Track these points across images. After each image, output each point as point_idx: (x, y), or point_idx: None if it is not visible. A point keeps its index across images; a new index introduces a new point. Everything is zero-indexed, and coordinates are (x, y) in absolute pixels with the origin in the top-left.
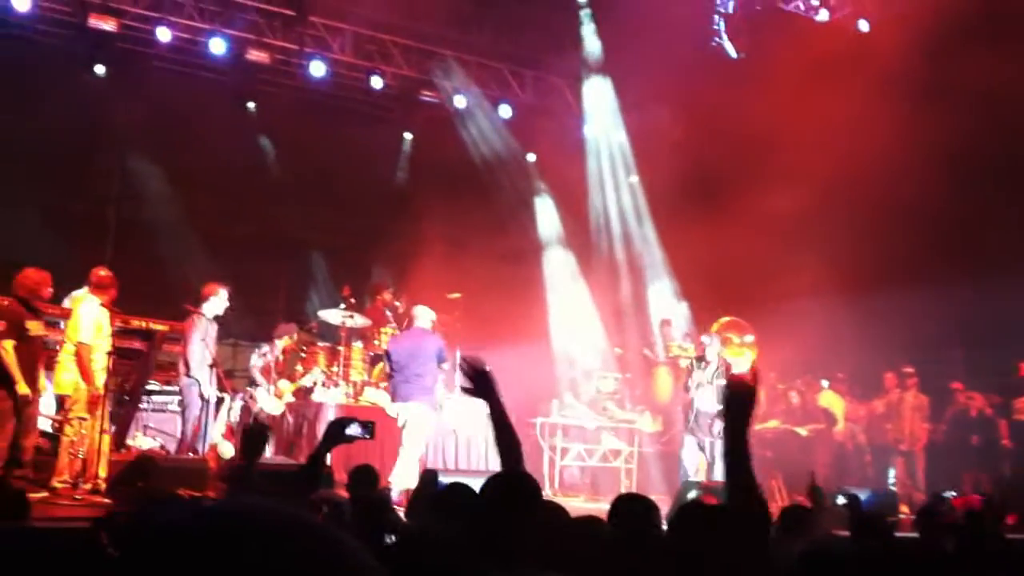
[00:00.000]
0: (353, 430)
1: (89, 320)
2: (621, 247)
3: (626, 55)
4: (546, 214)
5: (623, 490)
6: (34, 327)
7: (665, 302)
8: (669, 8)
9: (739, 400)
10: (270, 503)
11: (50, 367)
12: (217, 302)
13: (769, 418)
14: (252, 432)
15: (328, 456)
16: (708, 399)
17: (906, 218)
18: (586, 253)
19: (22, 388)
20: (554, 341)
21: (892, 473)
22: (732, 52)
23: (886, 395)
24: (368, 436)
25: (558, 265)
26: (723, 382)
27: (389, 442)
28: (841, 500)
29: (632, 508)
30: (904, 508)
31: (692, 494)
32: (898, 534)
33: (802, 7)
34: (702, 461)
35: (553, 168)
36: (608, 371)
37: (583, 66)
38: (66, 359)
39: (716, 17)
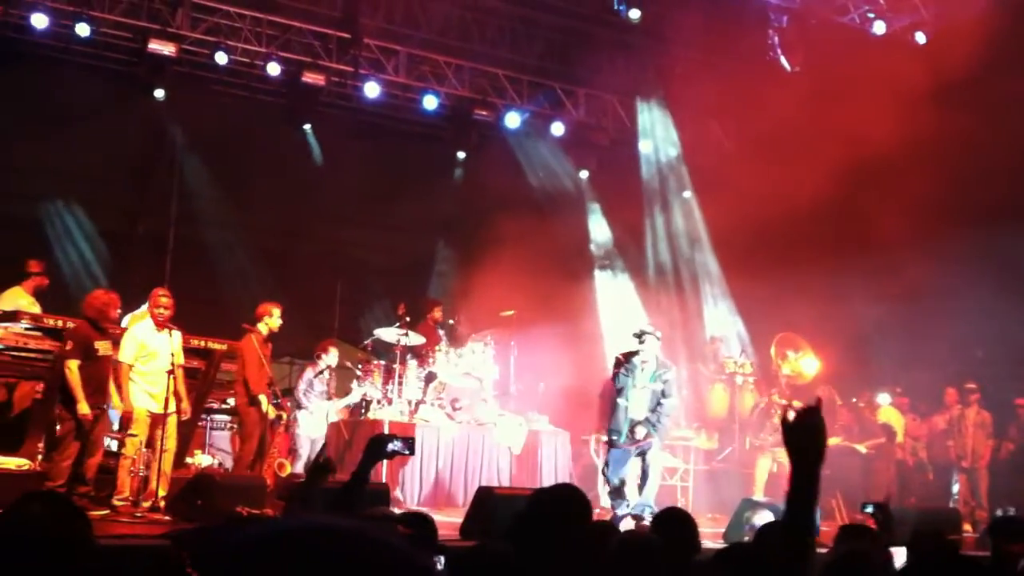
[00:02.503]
0: (394, 446)
1: (129, 340)
2: (675, 263)
3: (680, 70)
4: (599, 231)
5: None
6: (102, 347)
7: (720, 318)
8: (723, 23)
9: (809, 434)
10: (349, 521)
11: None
12: (268, 321)
13: (831, 435)
14: (317, 467)
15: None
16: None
17: (965, 232)
18: (640, 270)
19: (83, 408)
20: (608, 357)
21: (955, 490)
22: (787, 66)
23: (948, 411)
24: (408, 452)
25: (611, 282)
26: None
27: (443, 460)
28: (869, 509)
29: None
30: (967, 526)
31: (757, 515)
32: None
33: (858, 20)
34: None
35: (606, 185)
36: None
37: (636, 82)
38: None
39: (770, 31)
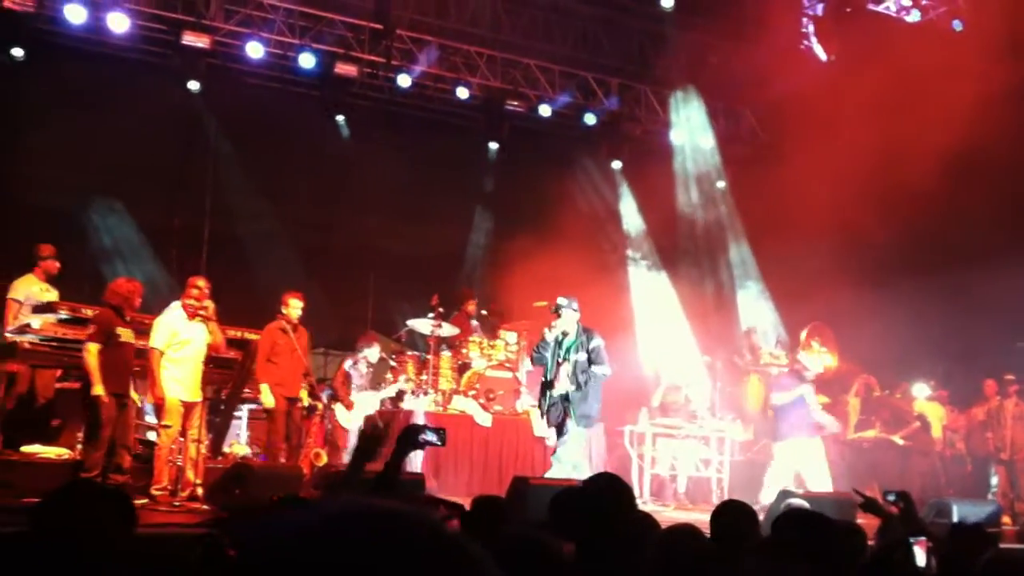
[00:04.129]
0: (426, 437)
1: (161, 327)
2: (709, 254)
3: (713, 59)
4: (632, 222)
5: (715, 500)
6: (124, 334)
7: (755, 310)
8: (757, 11)
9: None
10: (398, 505)
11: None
12: (293, 309)
13: (867, 427)
14: (369, 436)
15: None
16: (564, 377)
17: (1002, 220)
18: (673, 260)
19: (97, 389)
20: (641, 349)
21: (994, 483)
22: (822, 55)
23: (986, 403)
24: (440, 443)
25: (644, 272)
26: (585, 356)
27: (478, 450)
28: (891, 497)
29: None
30: (1006, 519)
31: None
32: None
33: (893, 8)
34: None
35: (639, 175)
36: (697, 379)
37: (669, 72)
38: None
39: (805, 20)
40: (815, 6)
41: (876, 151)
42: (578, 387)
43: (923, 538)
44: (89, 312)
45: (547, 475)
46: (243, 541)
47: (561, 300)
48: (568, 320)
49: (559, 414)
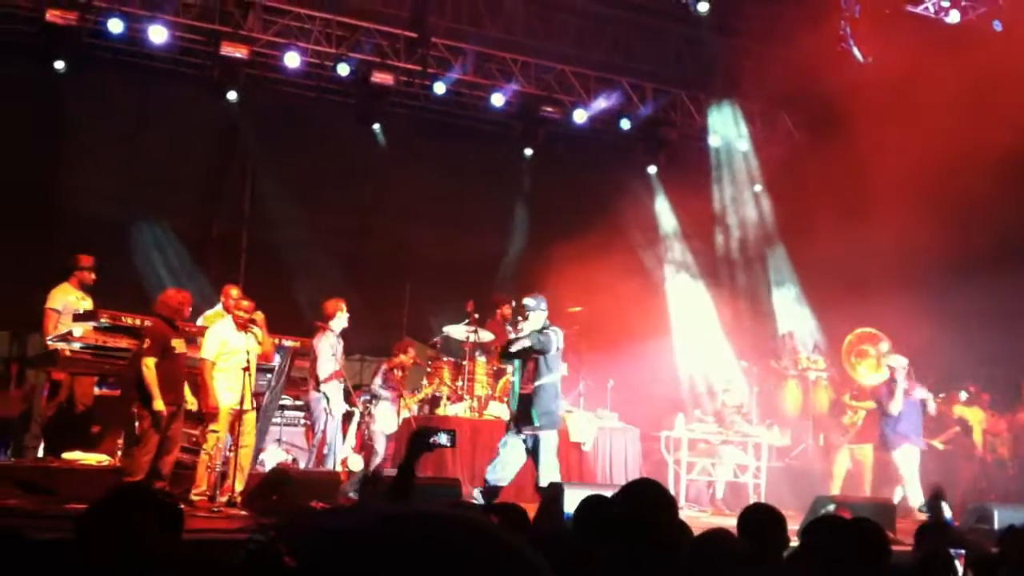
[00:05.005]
0: (437, 439)
1: (212, 337)
2: (746, 258)
3: (749, 63)
4: (668, 226)
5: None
6: (178, 345)
7: (793, 315)
8: (793, 14)
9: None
10: (449, 508)
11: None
12: (341, 317)
13: None
14: (418, 433)
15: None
16: (525, 379)
17: None
18: (710, 265)
19: (158, 404)
20: (678, 353)
21: None
22: (860, 57)
23: None
24: (450, 444)
25: (681, 277)
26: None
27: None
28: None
29: (759, 519)
30: None
31: (828, 509)
32: None
33: (931, 9)
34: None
35: (675, 180)
36: (734, 384)
37: (704, 76)
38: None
39: (842, 22)
40: (852, 8)
41: (915, 153)
42: (535, 387)
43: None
44: (129, 320)
45: (488, 477)
46: (303, 549)
47: (528, 301)
48: (535, 322)
49: (520, 415)
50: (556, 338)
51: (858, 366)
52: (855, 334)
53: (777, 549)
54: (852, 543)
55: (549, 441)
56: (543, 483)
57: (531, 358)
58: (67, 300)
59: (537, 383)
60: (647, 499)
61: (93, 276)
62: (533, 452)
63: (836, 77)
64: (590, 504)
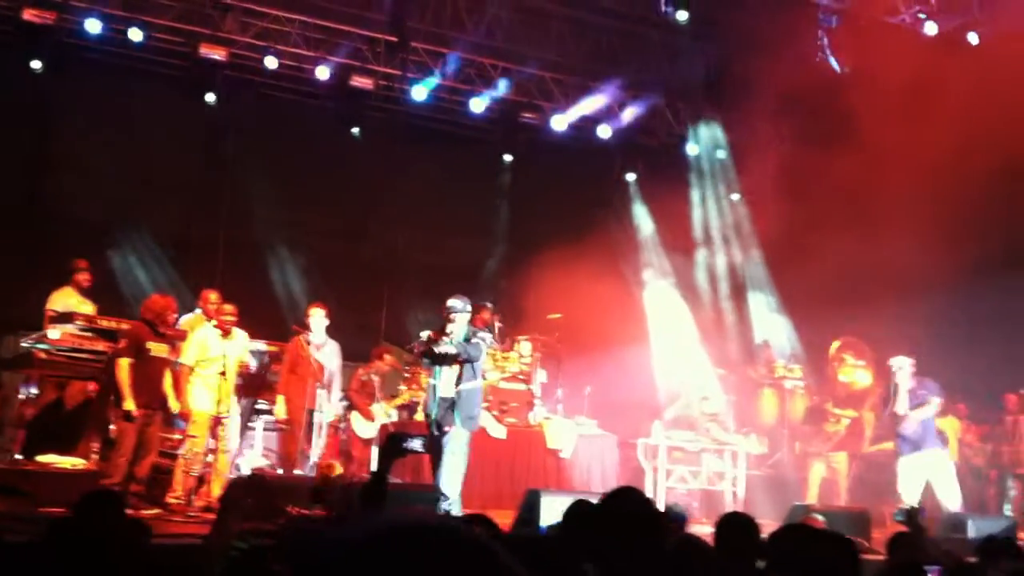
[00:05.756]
0: (410, 444)
1: (193, 342)
2: (723, 267)
3: (728, 71)
4: (646, 233)
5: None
6: (156, 348)
7: (768, 323)
8: (771, 23)
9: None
10: (435, 517)
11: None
12: (317, 321)
13: (883, 440)
14: (392, 439)
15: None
16: (450, 381)
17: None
18: (687, 272)
19: (128, 404)
20: (655, 361)
21: (1011, 496)
22: (836, 66)
23: (1006, 417)
24: (424, 450)
25: (658, 285)
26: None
27: (491, 463)
28: (899, 517)
29: (735, 527)
30: (1023, 534)
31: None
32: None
33: (908, 20)
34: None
35: (654, 188)
36: (711, 392)
37: (684, 84)
38: (181, 382)
39: (820, 32)
40: (830, 18)
41: (896, 162)
42: (459, 391)
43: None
44: (106, 323)
45: (440, 480)
46: (302, 558)
47: (455, 303)
48: (460, 323)
49: (443, 416)
50: (484, 346)
51: (839, 373)
52: (841, 342)
53: (751, 558)
54: (822, 553)
55: (460, 440)
56: (442, 482)
57: (458, 363)
58: (67, 303)
59: (462, 387)
60: (630, 508)
61: (89, 278)
62: (437, 447)
63: (815, 87)
64: (577, 512)
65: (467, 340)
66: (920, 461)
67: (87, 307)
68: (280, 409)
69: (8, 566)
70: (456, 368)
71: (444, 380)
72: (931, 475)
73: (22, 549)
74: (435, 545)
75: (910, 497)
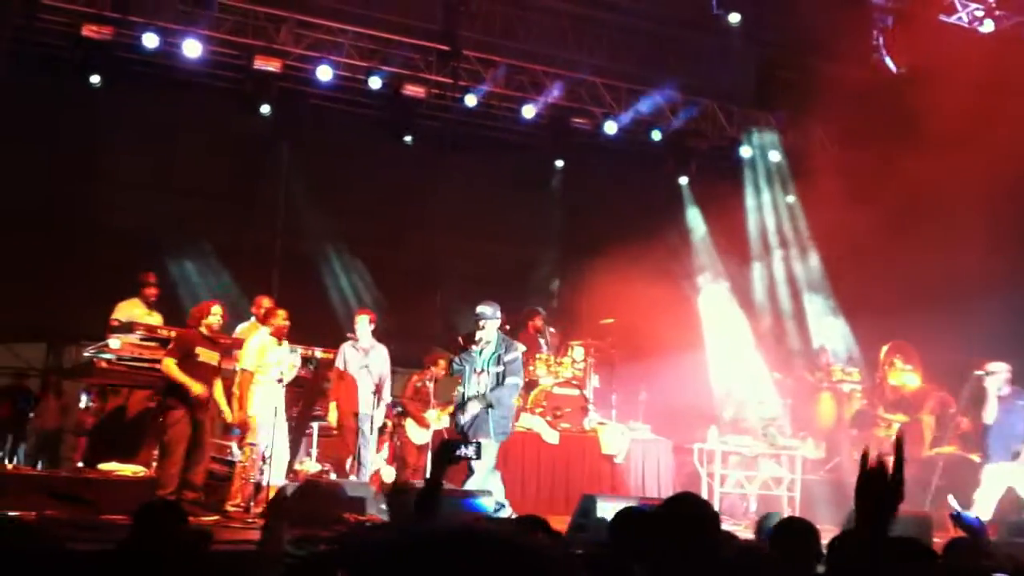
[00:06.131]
0: (464, 451)
1: (250, 349)
2: (779, 269)
3: (781, 73)
4: (700, 236)
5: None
6: (204, 354)
7: (826, 326)
8: (825, 24)
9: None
10: (494, 525)
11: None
12: (362, 327)
13: (943, 443)
14: (445, 445)
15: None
16: (481, 389)
17: None
18: (742, 276)
19: (196, 388)
20: (711, 365)
21: None
22: (892, 67)
23: None
24: (476, 457)
25: (713, 288)
26: (501, 368)
27: (545, 468)
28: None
29: (794, 533)
30: None
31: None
32: None
33: (965, 19)
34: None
35: (707, 191)
36: (767, 396)
37: (736, 86)
38: (236, 389)
39: (875, 32)
40: (885, 18)
41: (954, 165)
42: (491, 402)
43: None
44: (165, 332)
45: (466, 486)
46: (353, 563)
47: (484, 309)
48: (491, 329)
49: (475, 426)
50: (520, 358)
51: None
52: (890, 345)
53: (810, 564)
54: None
55: (492, 451)
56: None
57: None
58: (132, 314)
59: (496, 395)
60: (691, 514)
61: (155, 291)
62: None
63: (871, 87)
64: (627, 518)
65: (499, 350)
66: (1006, 469)
67: (153, 319)
68: (332, 415)
69: (73, 573)
70: (486, 378)
71: (472, 388)
72: (1017, 483)
73: (86, 557)
74: (494, 551)
75: (986, 504)
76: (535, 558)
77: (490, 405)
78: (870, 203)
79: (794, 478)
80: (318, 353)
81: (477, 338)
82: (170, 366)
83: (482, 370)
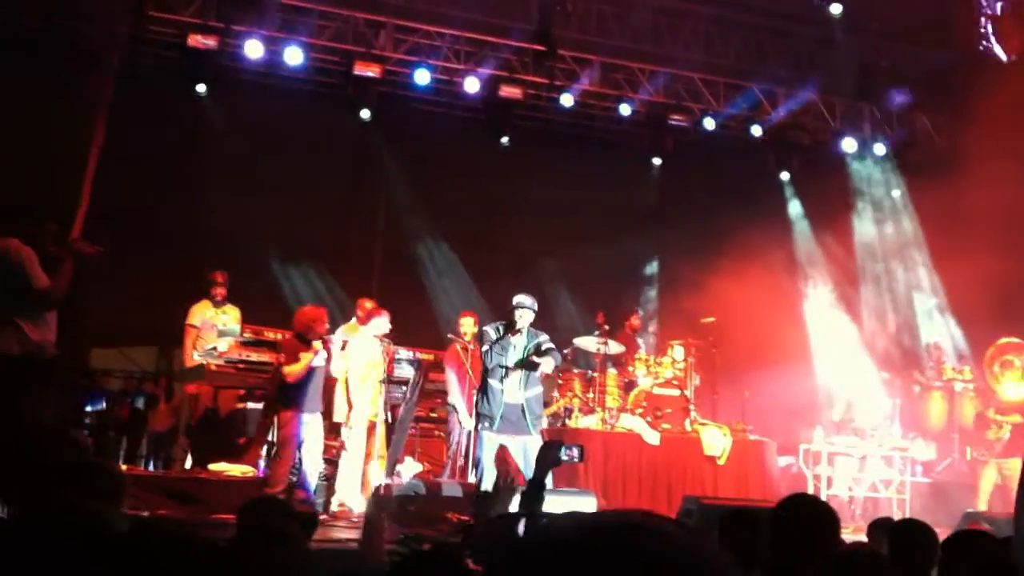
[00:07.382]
0: (566, 454)
1: (351, 350)
2: (884, 266)
3: (885, 64)
4: (802, 233)
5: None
6: (306, 358)
7: (935, 324)
8: (930, 12)
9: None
10: (640, 515)
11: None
12: (467, 330)
13: None
14: (549, 447)
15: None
16: (516, 386)
17: None
18: (847, 273)
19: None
20: (816, 365)
21: None
22: (1002, 55)
23: None
24: (579, 459)
25: (817, 286)
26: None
27: (646, 469)
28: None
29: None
30: None
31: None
32: None
33: None
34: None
35: (809, 186)
36: (875, 396)
37: (838, 79)
38: (340, 389)
39: (983, 19)
40: (993, 5)
41: None
42: (527, 398)
43: None
44: (271, 335)
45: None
46: (492, 556)
47: (523, 298)
48: (526, 320)
49: (514, 423)
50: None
51: (1001, 378)
52: (997, 345)
53: (925, 568)
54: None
55: (533, 443)
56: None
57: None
58: (204, 316)
59: (532, 392)
60: (811, 516)
61: (223, 292)
62: (522, 455)
63: (978, 77)
64: (739, 519)
65: (531, 340)
66: None
67: (226, 317)
68: (464, 418)
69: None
70: (520, 373)
71: (509, 386)
72: None
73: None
74: (651, 540)
75: None
76: (707, 555)
77: (529, 403)
78: (982, 197)
79: (904, 479)
80: (420, 355)
81: (518, 327)
82: (290, 371)
83: (517, 364)
